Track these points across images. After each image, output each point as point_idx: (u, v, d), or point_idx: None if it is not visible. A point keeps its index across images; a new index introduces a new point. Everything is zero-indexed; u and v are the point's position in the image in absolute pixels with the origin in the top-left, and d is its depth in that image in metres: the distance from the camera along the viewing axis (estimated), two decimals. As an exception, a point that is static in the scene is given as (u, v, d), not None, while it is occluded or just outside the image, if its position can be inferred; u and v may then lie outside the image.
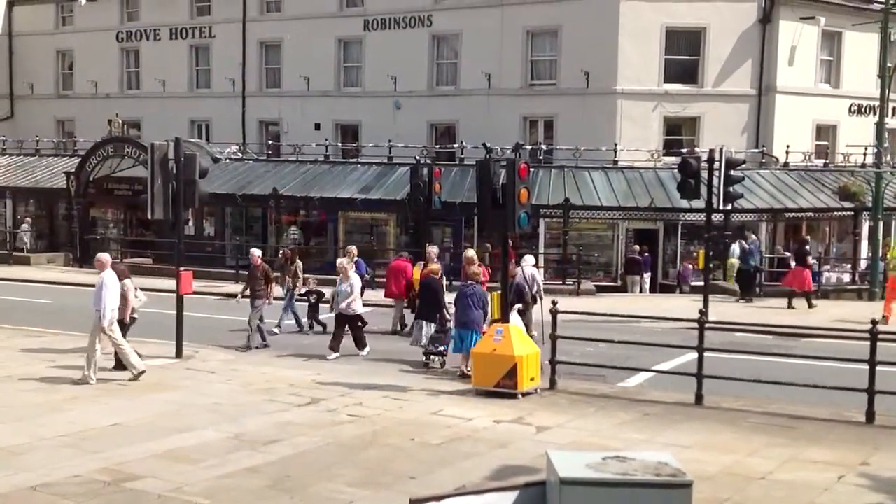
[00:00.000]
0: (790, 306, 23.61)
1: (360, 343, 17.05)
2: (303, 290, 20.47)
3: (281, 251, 21.45)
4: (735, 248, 26.00)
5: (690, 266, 28.08)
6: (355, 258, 18.96)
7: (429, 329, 15.96)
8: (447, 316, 15.98)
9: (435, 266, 17.32)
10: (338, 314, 16.93)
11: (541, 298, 17.67)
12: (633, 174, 29.96)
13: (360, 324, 17.12)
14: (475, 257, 17.21)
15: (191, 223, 31.49)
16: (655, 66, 32.06)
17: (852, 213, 30.25)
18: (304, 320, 20.11)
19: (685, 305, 22.48)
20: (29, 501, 8.64)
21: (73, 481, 9.19)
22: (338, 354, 16.52)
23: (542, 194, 28.48)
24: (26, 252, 35.54)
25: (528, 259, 19.01)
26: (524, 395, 13.18)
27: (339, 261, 17.78)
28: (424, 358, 15.79)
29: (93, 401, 12.94)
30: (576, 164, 30.33)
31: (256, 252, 18.85)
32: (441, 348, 15.73)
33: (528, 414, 12.23)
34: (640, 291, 27.89)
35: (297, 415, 12.13)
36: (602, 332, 17.85)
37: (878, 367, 12.00)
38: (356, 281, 17.12)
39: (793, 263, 24.97)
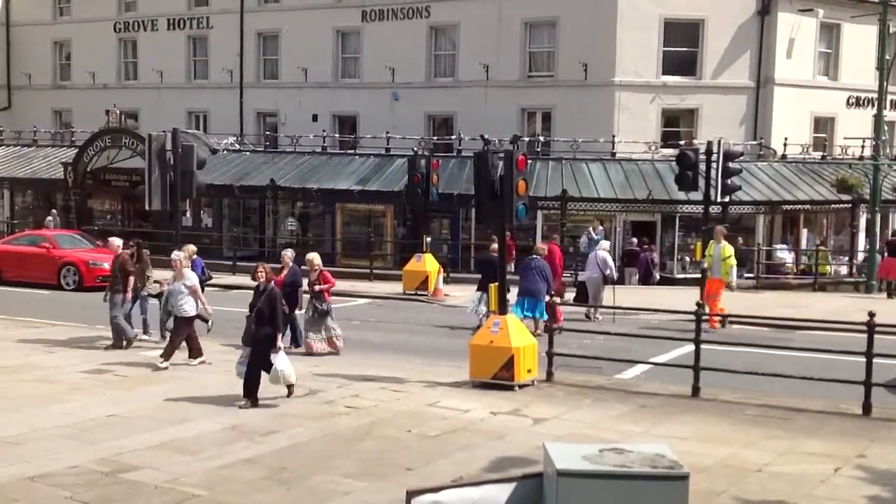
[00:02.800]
0: (890, 296, 25.04)
1: (191, 351, 15.06)
2: (153, 291, 17.90)
3: (132, 242, 18.49)
4: (583, 238, 26.54)
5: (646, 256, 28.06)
6: (194, 256, 17.15)
7: (481, 299, 18.08)
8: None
9: (494, 246, 18.44)
10: (175, 317, 15.14)
11: (612, 282, 20.36)
12: (631, 166, 29.95)
13: (190, 327, 15.04)
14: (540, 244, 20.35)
15: (188, 214, 31.46)
16: (654, 58, 32.02)
17: (850, 205, 30.26)
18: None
19: (682, 297, 22.51)
20: (27, 492, 8.65)
21: (71, 472, 9.21)
22: (167, 364, 14.51)
23: (540, 186, 28.47)
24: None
25: (604, 244, 21.64)
26: (521, 386, 13.20)
27: (174, 254, 15.56)
28: (476, 325, 16.61)
29: (90, 392, 12.94)
30: (573, 155, 30.30)
31: (116, 241, 17.11)
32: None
33: (525, 406, 12.25)
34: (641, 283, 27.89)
35: (295, 406, 12.14)
36: (599, 323, 17.91)
37: (875, 360, 12.03)
38: (192, 278, 15.10)
39: (885, 254, 26.25)
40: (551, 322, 16.51)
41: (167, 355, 14.64)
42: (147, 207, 16.67)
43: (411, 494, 6.15)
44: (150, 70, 40.96)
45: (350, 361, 15.38)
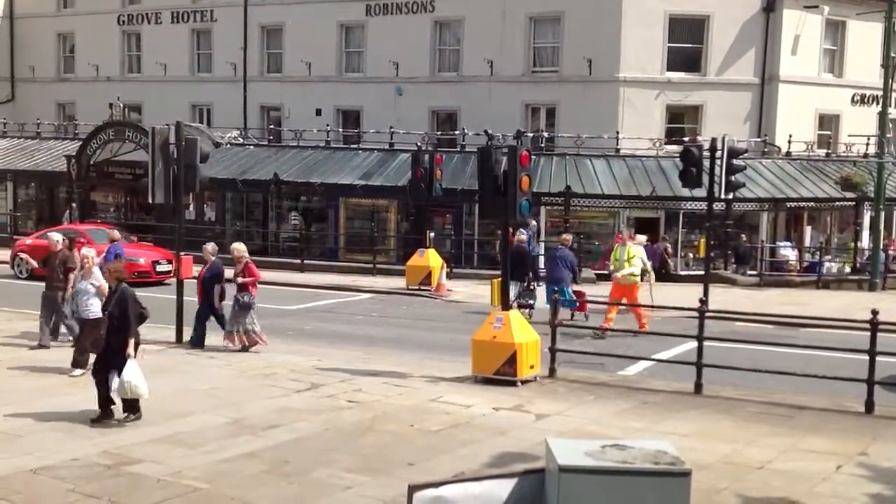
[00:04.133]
0: None
1: (75, 361, 13.42)
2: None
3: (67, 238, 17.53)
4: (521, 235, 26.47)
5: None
6: (118, 243, 16.10)
7: (517, 287, 18.43)
8: (533, 278, 19.32)
9: (522, 237, 20.12)
10: (79, 319, 13.94)
11: (648, 273, 19.99)
12: (635, 162, 29.90)
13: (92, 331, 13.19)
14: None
15: (191, 208, 31.42)
16: (658, 54, 31.95)
17: (854, 203, 30.21)
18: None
19: (684, 294, 22.47)
20: (29, 484, 8.66)
21: (73, 465, 9.22)
22: (82, 371, 13.18)
23: (544, 182, 28.43)
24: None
25: (640, 238, 21.74)
26: (524, 382, 13.19)
27: (83, 252, 14.38)
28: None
29: (92, 385, 12.91)
30: (577, 151, 30.25)
31: (55, 237, 16.27)
32: (531, 301, 18.35)
33: (528, 401, 12.25)
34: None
35: (297, 400, 12.15)
36: (602, 320, 17.88)
37: (878, 358, 12.01)
38: (100, 278, 13.29)
39: None
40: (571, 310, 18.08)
41: (78, 364, 13.28)
42: (150, 201, 16.62)
43: (413, 489, 6.15)
44: (153, 63, 40.92)
45: (352, 356, 15.38)
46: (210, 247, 16.41)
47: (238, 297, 15.66)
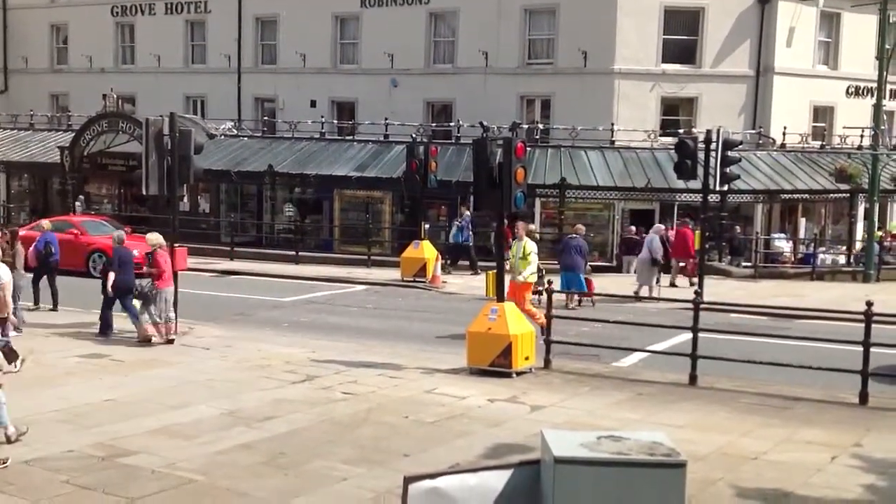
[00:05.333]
0: None
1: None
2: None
3: (5, 231, 17.08)
4: (454, 228, 27.26)
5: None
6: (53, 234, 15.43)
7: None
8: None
9: (532, 227, 21.14)
10: None
11: (660, 264, 21.85)
12: (630, 154, 29.89)
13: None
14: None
15: (186, 199, 31.32)
16: (653, 46, 31.92)
17: (848, 195, 30.22)
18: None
19: (680, 286, 22.53)
20: (23, 476, 8.64)
21: (67, 456, 9.21)
22: (16, 368, 12.51)
23: (539, 174, 28.40)
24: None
25: (658, 227, 23.32)
26: (519, 374, 13.20)
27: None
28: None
29: (87, 376, 12.93)
30: (572, 143, 30.22)
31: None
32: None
33: (523, 393, 12.26)
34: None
35: (292, 392, 12.14)
36: (597, 311, 17.90)
37: (873, 349, 12.03)
38: (5, 275, 12.61)
39: None
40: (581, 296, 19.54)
41: (7, 358, 12.27)
42: (144, 192, 16.58)
43: (409, 481, 6.14)
44: (147, 54, 40.77)
45: (348, 347, 15.37)
46: (115, 234, 16.86)
47: (140, 285, 15.71)
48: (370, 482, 8.59)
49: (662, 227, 24.04)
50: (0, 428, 9.49)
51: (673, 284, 24.05)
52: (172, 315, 15.58)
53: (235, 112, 38.13)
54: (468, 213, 27.05)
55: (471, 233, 26.84)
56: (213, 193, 33.87)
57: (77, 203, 33.44)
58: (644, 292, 21.40)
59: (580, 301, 20.41)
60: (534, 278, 16.69)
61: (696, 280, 22.04)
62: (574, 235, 20.99)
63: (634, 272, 23.08)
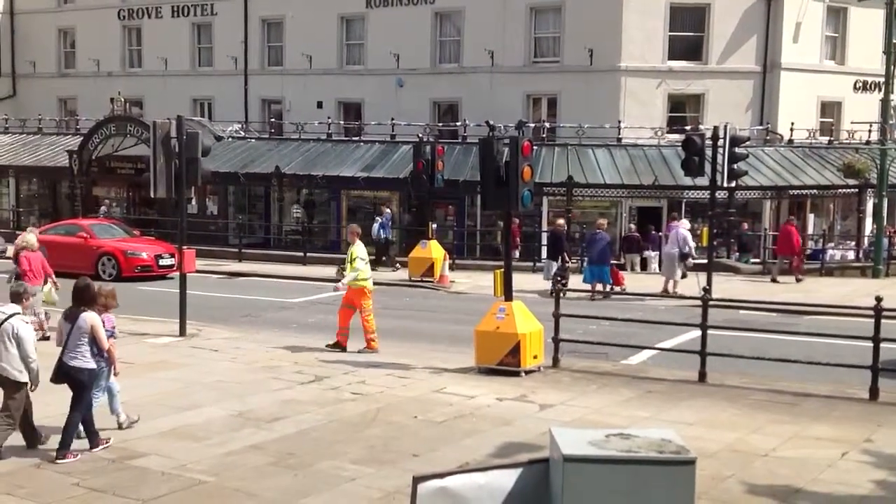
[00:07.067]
0: None
1: None
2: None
3: None
4: (375, 226, 27.80)
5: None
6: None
7: (552, 266, 21.58)
8: (567, 258, 22.32)
9: (560, 222, 23.94)
10: None
11: (691, 258, 22.41)
12: (637, 152, 29.85)
13: None
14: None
15: (193, 202, 31.44)
16: (659, 43, 31.86)
17: (856, 190, 30.13)
18: None
19: (688, 283, 22.41)
20: (33, 478, 8.67)
21: (77, 458, 9.22)
22: None
23: (546, 172, 28.40)
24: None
25: (684, 223, 23.84)
26: (527, 372, 13.19)
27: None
28: (551, 287, 17.44)
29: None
30: (579, 141, 30.20)
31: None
32: (564, 280, 19.84)
33: (531, 391, 12.25)
34: (643, 269, 27.78)
35: (301, 392, 12.16)
36: (604, 309, 17.88)
37: (883, 345, 11.99)
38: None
39: None
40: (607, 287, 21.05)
41: None
42: (152, 195, 16.61)
43: (418, 480, 6.14)
44: (154, 57, 40.88)
45: (356, 348, 15.36)
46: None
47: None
48: (379, 482, 8.60)
49: (688, 222, 24.64)
50: (112, 415, 10.18)
51: (774, 280, 24.74)
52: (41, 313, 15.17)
53: (242, 114, 38.21)
54: (388, 211, 28.56)
55: (390, 230, 28.41)
56: (221, 195, 33.94)
57: (102, 208, 33.59)
58: (670, 287, 21.92)
59: (609, 292, 21.33)
60: (368, 283, 15.15)
61: (801, 277, 23.14)
62: (598, 231, 22.40)
63: (658, 269, 23.74)
